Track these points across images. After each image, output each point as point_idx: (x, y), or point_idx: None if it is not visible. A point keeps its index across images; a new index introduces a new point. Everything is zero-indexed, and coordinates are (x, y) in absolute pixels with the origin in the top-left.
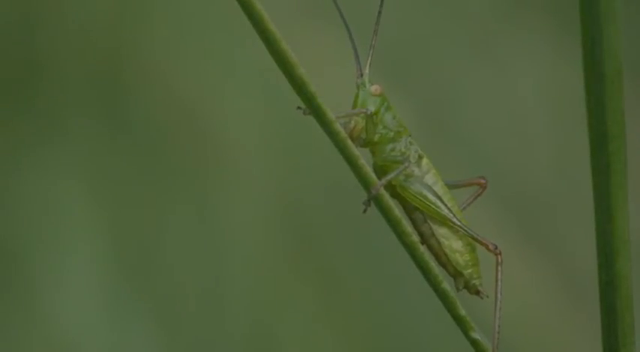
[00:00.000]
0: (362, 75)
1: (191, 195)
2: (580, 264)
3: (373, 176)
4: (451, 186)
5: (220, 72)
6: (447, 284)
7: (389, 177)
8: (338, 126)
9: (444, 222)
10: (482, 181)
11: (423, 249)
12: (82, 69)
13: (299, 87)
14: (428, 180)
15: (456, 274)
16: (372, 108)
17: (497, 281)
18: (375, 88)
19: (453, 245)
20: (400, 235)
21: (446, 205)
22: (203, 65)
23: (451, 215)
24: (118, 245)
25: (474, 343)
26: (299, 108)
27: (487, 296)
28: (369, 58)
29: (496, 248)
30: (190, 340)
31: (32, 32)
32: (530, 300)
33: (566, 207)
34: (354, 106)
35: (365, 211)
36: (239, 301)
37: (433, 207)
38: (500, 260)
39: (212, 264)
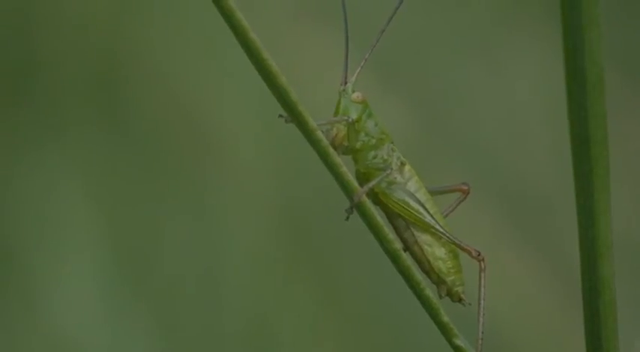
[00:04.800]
0: (346, 83)
1: (189, 194)
2: (577, 263)
3: (355, 183)
4: (434, 193)
5: (219, 71)
6: (430, 291)
7: (371, 184)
8: (319, 134)
9: (426, 228)
10: (465, 187)
11: (405, 256)
12: (81, 68)
13: (280, 95)
14: (410, 187)
15: (438, 281)
16: (353, 116)
17: (480, 287)
18: (356, 95)
19: (436, 252)
20: (382, 242)
21: (428, 212)
22: (202, 64)
23: (434, 222)
24: (116, 244)
25: (456, 349)
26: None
27: (469, 304)
28: (359, 69)
29: (479, 254)
30: (189, 337)
31: (31, 31)
32: (527, 299)
33: (563, 207)
34: (336, 114)
35: (347, 218)
36: (237, 297)
37: (415, 213)
38: (483, 266)
39: (210, 262)
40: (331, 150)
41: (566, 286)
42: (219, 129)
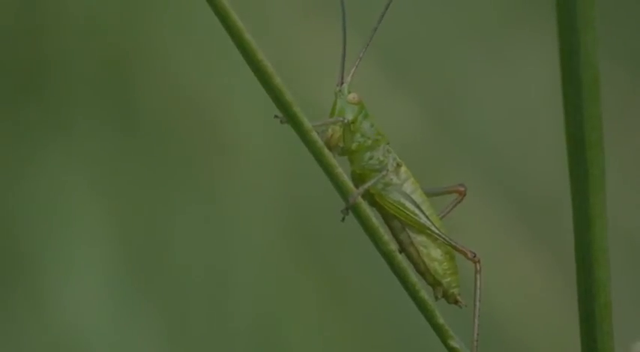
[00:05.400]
0: (342, 83)
1: (197, 192)
2: None
3: (351, 184)
4: (430, 194)
5: (228, 69)
6: (425, 293)
7: (367, 185)
8: (315, 135)
9: (422, 230)
10: (462, 189)
11: (401, 257)
12: (90, 67)
13: (275, 95)
14: (406, 188)
15: (434, 283)
16: (349, 117)
17: (476, 289)
18: (352, 96)
19: (432, 253)
20: (377, 243)
21: (424, 213)
22: (210, 62)
23: (429, 223)
24: (124, 241)
25: (452, 351)
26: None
27: (466, 306)
28: (354, 68)
29: (475, 256)
30: (197, 335)
31: (40, 29)
32: (536, 295)
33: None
34: (332, 115)
35: (343, 220)
36: (245, 296)
37: (411, 215)
38: (479, 268)
39: (218, 261)
40: (326, 151)
41: (570, 287)
42: (228, 127)
